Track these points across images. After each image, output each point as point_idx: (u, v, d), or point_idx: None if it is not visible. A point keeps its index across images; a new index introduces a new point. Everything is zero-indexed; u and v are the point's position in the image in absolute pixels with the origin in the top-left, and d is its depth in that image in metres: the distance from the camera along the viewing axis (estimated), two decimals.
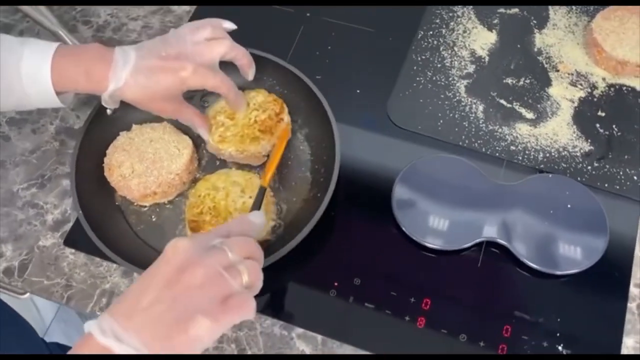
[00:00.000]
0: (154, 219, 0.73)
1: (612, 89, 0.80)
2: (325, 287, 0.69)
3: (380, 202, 0.74)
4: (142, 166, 0.71)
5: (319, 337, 0.67)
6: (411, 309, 0.67)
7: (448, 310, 0.67)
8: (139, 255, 0.68)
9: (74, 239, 0.73)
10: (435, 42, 0.85)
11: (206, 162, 0.77)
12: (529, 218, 0.70)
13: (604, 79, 0.81)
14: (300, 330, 0.67)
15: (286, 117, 0.76)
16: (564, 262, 0.68)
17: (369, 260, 0.71)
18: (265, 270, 0.58)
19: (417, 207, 0.72)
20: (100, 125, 0.75)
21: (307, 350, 0.66)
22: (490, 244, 0.70)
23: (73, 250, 0.72)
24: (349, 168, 0.76)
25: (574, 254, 0.68)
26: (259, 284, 0.51)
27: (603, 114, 0.78)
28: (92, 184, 0.72)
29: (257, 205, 0.65)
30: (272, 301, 0.69)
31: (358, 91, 0.81)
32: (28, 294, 0.71)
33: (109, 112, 0.74)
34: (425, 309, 0.67)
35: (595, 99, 0.79)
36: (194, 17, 0.90)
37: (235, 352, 0.66)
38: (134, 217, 0.73)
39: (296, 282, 0.70)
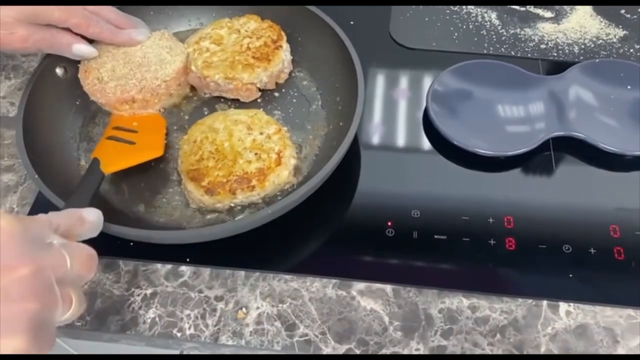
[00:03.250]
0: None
1: None
2: (379, 228, 0.53)
3: (413, 122, 0.61)
4: (125, 69, 0.58)
5: (388, 287, 0.50)
6: (494, 230, 0.52)
7: (537, 223, 0.53)
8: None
9: None
10: None
11: (193, 108, 0.62)
12: (592, 106, 0.59)
13: None
14: (361, 285, 0.50)
15: (285, 45, 0.62)
16: None
17: (420, 187, 0.56)
18: (295, 219, 0.50)
19: (462, 117, 0.59)
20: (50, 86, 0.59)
21: (379, 307, 0.49)
22: (559, 142, 0.58)
23: None
24: (368, 97, 0.63)
25: None
26: (73, 316, 0.38)
27: None
28: (44, 151, 0.56)
29: (88, 198, 0.48)
30: (313, 256, 0.52)
31: (352, 22, 0.70)
32: None
33: (58, 72, 0.59)
34: (509, 227, 0.53)
35: None
36: None
37: (282, 331, 0.48)
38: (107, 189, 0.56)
39: (339, 228, 0.54)
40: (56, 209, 0.48)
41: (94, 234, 0.44)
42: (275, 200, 0.53)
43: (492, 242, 0.52)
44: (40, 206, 0.55)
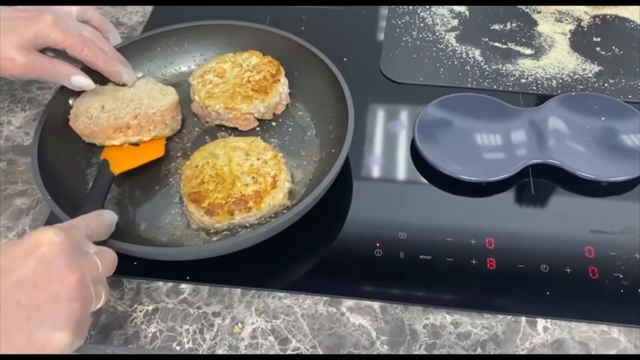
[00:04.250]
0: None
1: (597, 19, 0.79)
2: (368, 248, 0.56)
3: (402, 150, 0.66)
4: (115, 104, 0.61)
5: (376, 304, 0.53)
6: (476, 251, 0.56)
7: (517, 244, 0.56)
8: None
9: None
10: (410, 8, 0.81)
11: (196, 136, 0.66)
12: (568, 135, 0.63)
13: (586, 12, 0.80)
14: (350, 302, 0.53)
15: (282, 79, 0.67)
16: (619, 168, 0.60)
17: (408, 211, 0.60)
18: (289, 240, 0.54)
19: (447, 146, 0.63)
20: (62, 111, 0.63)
21: (367, 323, 0.52)
22: (537, 169, 0.62)
23: None
24: (358, 127, 0.67)
25: (628, 157, 0.61)
26: (100, 305, 0.45)
27: (599, 39, 0.76)
28: (57, 174, 0.60)
29: (103, 196, 0.55)
30: (306, 275, 0.55)
31: (345, 59, 0.74)
32: None
33: (71, 102, 0.63)
34: (490, 248, 0.56)
35: (585, 29, 0.77)
36: (148, 27, 0.82)
37: (276, 345, 0.51)
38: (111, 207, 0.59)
39: (331, 248, 0.57)
40: None
41: (108, 235, 0.50)
42: (269, 219, 0.57)
43: (474, 262, 0.55)
44: None
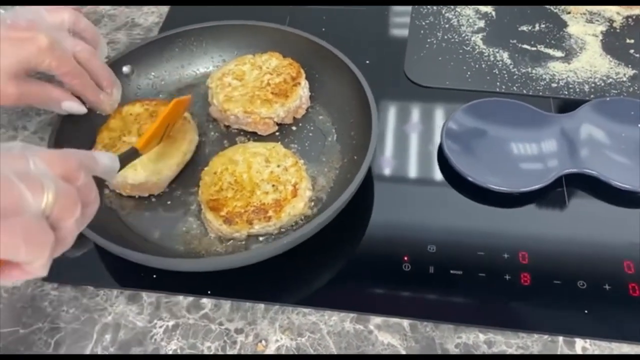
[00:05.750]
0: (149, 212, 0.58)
1: (630, 19, 0.76)
2: (395, 263, 0.54)
3: (428, 158, 0.63)
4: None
5: (405, 322, 0.51)
6: (509, 266, 0.53)
7: (551, 258, 0.54)
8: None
9: (56, 270, 0.54)
10: (434, 8, 0.79)
11: (214, 140, 0.64)
12: (603, 143, 0.60)
13: (618, 13, 0.77)
14: (378, 319, 0.51)
15: (303, 82, 0.65)
16: None
17: (436, 222, 0.57)
18: (311, 250, 0.51)
19: (476, 154, 0.60)
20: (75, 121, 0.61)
21: (396, 342, 0.49)
22: (571, 179, 0.59)
23: (55, 285, 0.54)
24: (381, 132, 0.65)
25: None
26: (70, 222, 0.35)
27: (632, 41, 0.73)
28: None
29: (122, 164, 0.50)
30: (331, 290, 0.53)
31: (367, 62, 0.72)
32: None
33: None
34: (524, 263, 0.54)
35: (618, 30, 0.74)
36: (164, 28, 0.80)
37: None
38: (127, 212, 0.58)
39: (355, 261, 0.55)
40: (81, 243, 0.50)
41: (109, 177, 0.46)
42: (289, 229, 0.55)
43: (507, 277, 0.53)
44: None
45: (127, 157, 0.52)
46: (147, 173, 0.57)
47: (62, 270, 0.53)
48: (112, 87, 0.60)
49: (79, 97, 0.58)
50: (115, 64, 0.65)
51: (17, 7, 0.57)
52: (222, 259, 0.51)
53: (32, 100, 0.55)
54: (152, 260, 0.50)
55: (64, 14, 0.58)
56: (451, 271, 0.53)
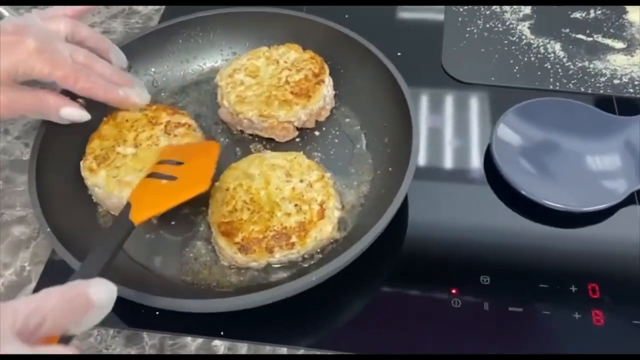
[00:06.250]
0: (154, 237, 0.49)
1: None
2: (443, 297, 0.46)
3: (473, 169, 0.55)
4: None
5: None
6: (577, 301, 0.45)
7: (628, 293, 0.45)
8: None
9: None
10: None
11: (224, 148, 0.55)
12: None
13: None
14: None
15: (327, 79, 0.56)
16: None
17: (487, 246, 0.49)
18: (339, 281, 0.43)
19: (531, 164, 0.52)
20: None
21: None
22: None
23: None
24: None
25: None
26: None
27: None
28: (61, 201, 0.49)
29: (107, 256, 0.39)
30: (363, 330, 0.45)
31: (399, 54, 0.63)
32: None
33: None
34: (595, 297, 0.45)
35: None
36: (166, 16, 0.71)
37: None
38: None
39: (394, 297, 0.46)
40: (71, 271, 0.42)
41: (98, 320, 0.33)
42: (315, 255, 0.47)
43: (576, 315, 0.44)
44: (55, 266, 0.49)
45: (123, 233, 0.41)
46: None
47: None
48: (129, 86, 0.52)
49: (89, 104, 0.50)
50: None
51: (10, 17, 0.52)
52: (238, 300, 0.42)
53: (24, 110, 0.48)
54: (152, 300, 0.41)
55: (60, 24, 0.49)
56: (509, 308, 0.45)
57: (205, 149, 0.51)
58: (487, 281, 0.46)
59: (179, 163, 0.47)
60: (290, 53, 0.58)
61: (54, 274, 0.49)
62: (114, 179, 0.48)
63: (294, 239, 0.46)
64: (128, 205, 0.43)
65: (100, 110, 0.52)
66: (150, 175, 0.46)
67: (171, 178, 0.45)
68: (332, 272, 0.42)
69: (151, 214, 0.44)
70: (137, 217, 0.42)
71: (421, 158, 0.55)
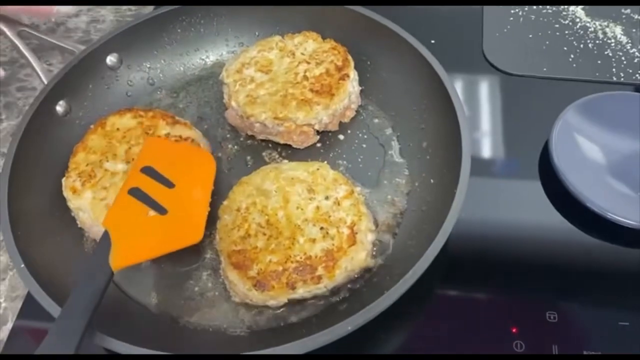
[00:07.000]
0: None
1: None
2: (502, 339, 0.38)
3: (528, 176, 0.47)
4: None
5: None
6: None
7: None
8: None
9: (18, 344, 0.39)
10: None
11: (233, 157, 0.48)
12: None
13: None
14: None
15: (352, 74, 0.48)
16: None
17: (549, 273, 0.42)
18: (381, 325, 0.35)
19: (597, 172, 0.44)
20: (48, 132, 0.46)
21: None
22: None
23: None
24: None
25: None
26: None
27: None
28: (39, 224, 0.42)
29: (87, 313, 0.33)
30: None
31: (433, 41, 0.54)
32: None
33: (59, 109, 0.47)
34: None
35: None
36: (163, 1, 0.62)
37: None
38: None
39: (440, 336, 0.39)
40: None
41: None
42: (345, 287, 0.40)
43: None
44: (35, 303, 0.41)
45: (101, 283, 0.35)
46: None
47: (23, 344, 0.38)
48: None
49: None
50: (97, 52, 0.50)
51: None
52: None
53: None
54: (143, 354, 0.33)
55: None
56: (585, 352, 0.37)
57: (198, 162, 0.43)
58: (554, 318, 0.39)
59: (169, 183, 0.40)
60: (308, 43, 0.51)
61: (35, 311, 0.41)
62: (102, 202, 0.40)
63: (320, 271, 0.38)
64: (106, 240, 0.36)
65: (89, 112, 0.45)
66: (134, 191, 0.39)
67: (161, 210, 0.39)
68: (371, 317, 0.35)
69: (134, 261, 0.37)
70: (118, 262, 0.35)
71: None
